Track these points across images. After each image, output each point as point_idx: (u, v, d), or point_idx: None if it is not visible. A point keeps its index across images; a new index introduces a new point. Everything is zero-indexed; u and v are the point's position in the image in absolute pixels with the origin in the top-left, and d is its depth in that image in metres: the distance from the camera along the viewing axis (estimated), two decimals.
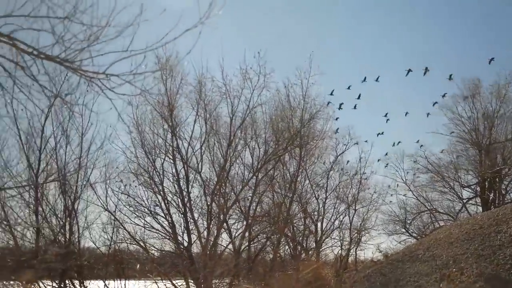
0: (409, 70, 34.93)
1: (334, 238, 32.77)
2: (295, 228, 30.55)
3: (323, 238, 31.73)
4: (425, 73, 34.89)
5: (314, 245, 31.11)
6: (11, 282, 17.83)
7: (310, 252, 31.17)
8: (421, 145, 41.93)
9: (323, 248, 32.27)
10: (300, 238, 30.58)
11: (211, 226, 24.27)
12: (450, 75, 37.60)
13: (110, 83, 7.87)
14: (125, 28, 7.57)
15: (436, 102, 40.67)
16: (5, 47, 7.59)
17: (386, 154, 38.24)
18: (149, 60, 7.82)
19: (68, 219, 20.70)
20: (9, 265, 16.73)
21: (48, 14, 7.51)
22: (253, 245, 27.83)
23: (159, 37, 7.63)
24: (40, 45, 7.62)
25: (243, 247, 26.58)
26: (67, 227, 20.77)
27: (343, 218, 32.72)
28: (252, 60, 24.64)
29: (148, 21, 7.65)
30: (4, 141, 19.35)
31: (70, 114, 20.14)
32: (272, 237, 27.74)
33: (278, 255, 28.35)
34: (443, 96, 40.48)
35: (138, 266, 24.37)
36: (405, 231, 41.68)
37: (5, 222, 16.27)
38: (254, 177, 25.62)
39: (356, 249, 33.40)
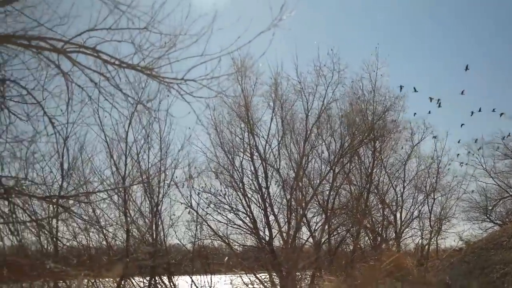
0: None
1: (414, 228, 32.33)
2: (374, 219, 30.47)
3: (403, 228, 31.47)
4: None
5: (394, 235, 30.91)
6: (106, 279, 18.93)
7: (390, 243, 31.00)
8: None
9: (403, 238, 31.96)
10: (380, 229, 30.46)
11: (291, 220, 24.75)
12: None
13: (188, 88, 8.45)
14: (201, 35, 8.12)
15: None
16: (90, 59, 8.34)
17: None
18: (225, 63, 8.27)
19: (154, 219, 21.73)
20: (103, 264, 17.79)
21: (128, 26, 8.18)
22: (333, 237, 28.11)
23: (233, 41, 8.13)
24: (121, 55, 8.31)
25: (323, 240, 26.92)
26: (154, 226, 21.81)
27: (422, 208, 32.23)
28: (326, 57, 25.02)
29: (223, 29, 8.21)
30: (93, 148, 20.50)
31: (151, 119, 21.03)
32: (351, 229, 27.90)
33: (358, 246, 28.39)
34: None
35: (226, 259, 25.09)
36: (487, 218, 40.52)
37: (97, 224, 17.35)
38: (331, 171, 25.87)
39: (437, 238, 32.84)
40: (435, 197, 32.17)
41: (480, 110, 34.77)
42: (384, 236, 30.99)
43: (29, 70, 8.57)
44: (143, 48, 8.26)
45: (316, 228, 26.65)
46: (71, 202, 11.10)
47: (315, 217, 27.22)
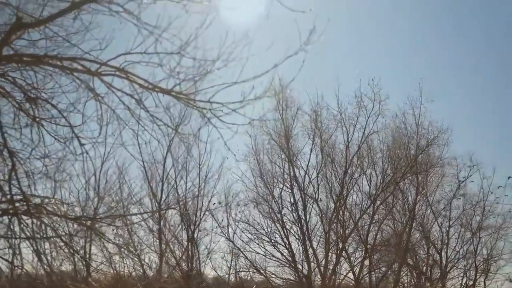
0: None
1: (459, 268, 31.14)
2: (417, 257, 29.55)
3: (449, 267, 30.36)
4: None
5: (439, 275, 29.83)
6: None
7: (435, 282, 29.94)
8: None
9: (448, 278, 30.81)
10: (424, 267, 29.48)
11: (329, 254, 24.32)
12: None
13: (222, 113, 8.36)
14: (233, 60, 8.07)
15: None
16: (124, 82, 8.39)
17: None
18: (258, 89, 8.17)
19: (190, 246, 21.69)
20: None
21: (161, 50, 8.20)
22: (373, 273, 27.34)
23: (266, 67, 8.05)
24: (155, 79, 8.33)
25: (363, 275, 26.24)
26: (189, 254, 21.74)
27: (468, 247, 31.04)
28: (367, 87, 24.85)
29: (255, 55, 8.15)
30: (129, 171, 20.77)
31: (187, 145, 21.21)
32: (393, 265, 27.12)
33: (400, 284, 27.56)
34: None
35: None
36: None
37: (131, 248, 17.37)
38: (372, 204, 25.36)
39: (485, 279, 31.50)
40: (481, 235, 30.96)
41: None
42: (429, 275, 29.98)
43: (64, 92, 8.69)
44: (174, 72, 8.26)
45: (356, 263, 26.03)
46: (104, 225, 11.13)
47: (355, 252, 26.60)
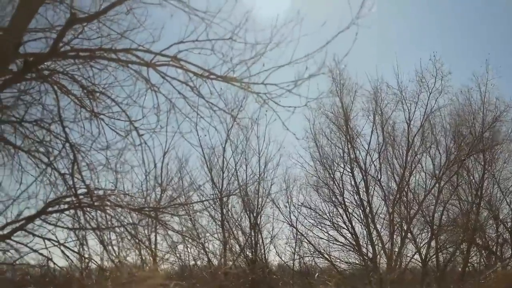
0: None
1: None
2: (486, 236, 28.62)
3: None
4: None
5: (510, 254, 28.83)
6: None
7: (506, 261, 28.97)
8: None
9: None
10: (493, 246, 28.55)
11: (394, 236, 23.90)
12: None
13: (277, 95, 8.27)
14: (285, 42, 7.96)
15: None
16: (180, 71, 8.41)
17: None
18: (312, 69, 8.02)
19: (253, 233, 21.79)
20: (201, 277, 17.98)
21: (213, 36, 8.18)
22: (441, 254, 26.68)
23: (318, 45, 7.90)
24: (209, 66, 8.32)
25: (430, 257, 25.67)
26: (252, 240, 21.86)
27: None
28: (428, 63, 24.18)
29: (307, 35, 8.00)
30: (190, 160, 21.01)
31: (246, 131, 21.25)
32: (461, 246, 26.38)
33: (469, 264, 26.81)
34: None
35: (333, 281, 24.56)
36: None
37: (195, 237, 17.58)
38: (437, 184, 24.68)
39: None
40: None
41: None
42: (499, 254, 29.04)
43: (121, 85, 8.78)
44: (227, 58, 8.22)
45: (422, 244, 25.47)
46: (167, 214, 11.25)
47: (421, 233, 26.01)
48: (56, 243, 9.02)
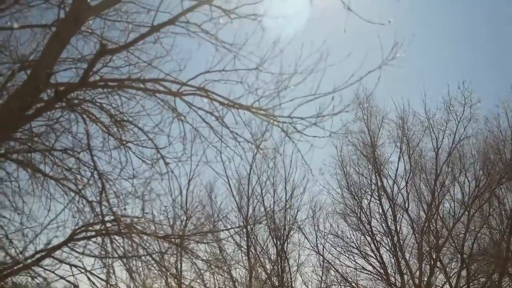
0: None
1: None
2: None
3: None
4: None
5: None
6: None
7: None
8: None
9: None
10: None
11: (423, 265, 23.52)
12: None
13: (302, 128, 8.30)
14: (311, 73, 8.01)
15: None
16: (205, 100, 8.50)
17: None
18: (338, 100, 8.05)
19: (279, 260, 21.64)
20: None
21: (239, 67, 8.27)
22: (472, 285, 26.09)
23: (345, 79, 7.94)
24: (235, 96, 8.39)
25: (460, 287, 25.11)
26: (279, 268, 21.70)
27: None
28: (456, 91, 24.08)
29: (334, 65, 8.04)
30: (215, 188, 21.10)
31: (272, 159, 21.31)
32: (492, 276, 25.76)
33: None
34: None
35: None
36: None
37: (221, 264, 17.56)
38: (466, 212, 24.28)
39: None
40: None
41: None
42: None
43: (148, 114, 8.90)
44: (253, 88, 8.30)
45: (452, 274, 24.95)
46: (193, 242, 11.29)
47: (451, 262, 25.50)
48: (83, 270, 9.11)
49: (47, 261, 8.91)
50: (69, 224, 8.93)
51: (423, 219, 24.11)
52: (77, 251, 9.03)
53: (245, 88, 8.27)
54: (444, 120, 24.18)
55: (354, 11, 7.54)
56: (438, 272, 24.67)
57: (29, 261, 8.54)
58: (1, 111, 7.82)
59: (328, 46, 7.76)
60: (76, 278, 9.12)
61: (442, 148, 24.30)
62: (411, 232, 24.42)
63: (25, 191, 9.08)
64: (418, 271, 23.50)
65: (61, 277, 9.08)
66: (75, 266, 9.06)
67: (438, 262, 24.08)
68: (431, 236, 23.96)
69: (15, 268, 8.67)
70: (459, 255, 24.67)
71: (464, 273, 24.72)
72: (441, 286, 24.83)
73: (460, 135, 24.14)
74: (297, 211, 22.95)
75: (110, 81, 8.35)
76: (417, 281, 23.19)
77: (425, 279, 23.39)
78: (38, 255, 8.77)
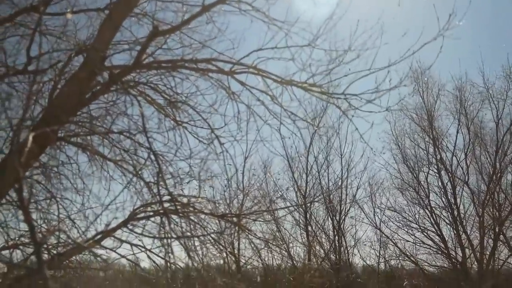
0: None
1: None
2: None
3: None
4: None
5: None
6: None
7: None
8: None
9: None
10: None
11: (485, 239, 22.99)
12: None
13: (358, 104, 8.15)
14: (366, 50, 7.82)
15: None
16: (259, 78, 8.43)
17: None
18: (393, 75, 7.86)
19: (337, 237, 21.56)
20: (283, 281, 17.97)
21: (292, 44, 8.15)
22: None
23: (399, 54, 7.72)
24: (286, 73, 8.28)
25: None
26: (337, 244, 21.63)
27: None
28: None
29: (388, 43, 7.82)
30: (272, 166, 21.11)
31: (328, 137, 21.14)
32: None
33: None
34: None
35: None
36: None
37: (281, 242, 17.63)
38: None
39: None
40: None
41: None
42: None
43: (202, 94, 8.90)
44: (306, 65, 8.16)
45: None
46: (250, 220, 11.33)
47: None
48: (143, 249, 9.26)
49: (108, 241, 9.10)
50: (128, 205, 9.07)
51: (484, 192, 23.49)
52: (135, 232, 9.18)
53: (297, 66, 8.15)
54: (504, 89, 23.39)
55: None
56: (501, 246, 24.03)
57: (90, 241, 8.73)
58: (60, 95, 7.96)
59: (383, 21, 7.53)
60: (136, 257, 9.29)
61: (503, 117, 23.48)
62: (472, 205, 23.82)
63: (85, 173, 9.26)
64: (479, 245, 22.96)
65: (122, 256, 9.26)
66: (135, 245, 9.21)
67: (501, 235, 23.44)
68: (493, 209, 23.32)
69: (78, 248, 8.89)
70: None
71: None
72: (504, 260, 24.19)
73: None
74: (357, 188, 22.79)
75: (164, 63, 8.36)
76: (479, 255, 22.67)
77: (488, 253, 22.85)
78: (99, 236, 8.96)
